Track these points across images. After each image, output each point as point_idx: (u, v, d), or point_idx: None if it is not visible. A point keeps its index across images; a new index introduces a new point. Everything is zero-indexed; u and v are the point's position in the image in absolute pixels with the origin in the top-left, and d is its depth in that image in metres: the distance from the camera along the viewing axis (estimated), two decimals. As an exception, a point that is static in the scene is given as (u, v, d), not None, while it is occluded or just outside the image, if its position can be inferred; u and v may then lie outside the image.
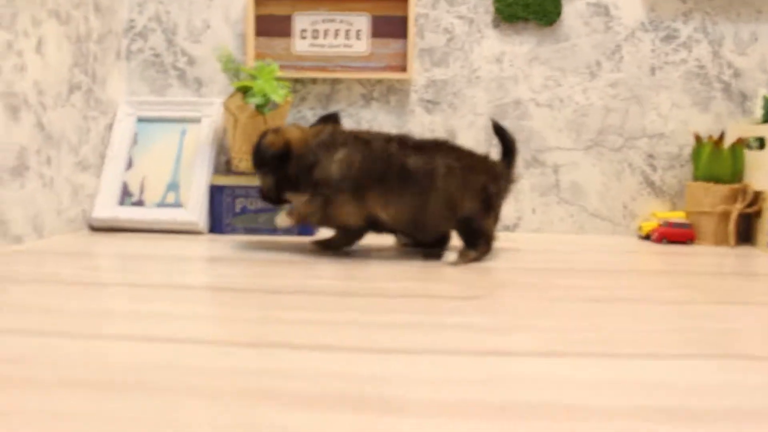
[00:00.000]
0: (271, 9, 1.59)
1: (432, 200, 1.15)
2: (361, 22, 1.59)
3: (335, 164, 1.15)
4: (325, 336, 0.66)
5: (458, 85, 1.62)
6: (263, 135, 1.21)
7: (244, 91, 1.41)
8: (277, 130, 1.21)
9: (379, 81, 1.62)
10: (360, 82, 1.63)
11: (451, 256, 1.17)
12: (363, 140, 1.18)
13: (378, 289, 0.90)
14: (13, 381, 0.51)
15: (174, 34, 1.63)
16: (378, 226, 1.20)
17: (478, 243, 1.19)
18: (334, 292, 0.87)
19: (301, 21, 1.59)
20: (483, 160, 1.24)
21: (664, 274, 1.13)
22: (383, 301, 0.83)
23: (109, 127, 1.55)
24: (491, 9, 1.61)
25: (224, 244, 1.31)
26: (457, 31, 1.62)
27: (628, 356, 0.63)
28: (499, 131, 1.31)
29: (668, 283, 1.02)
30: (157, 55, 1.64)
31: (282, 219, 1.22)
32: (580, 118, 1.63)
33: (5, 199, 1.16)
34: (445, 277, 1.02)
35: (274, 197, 1.24)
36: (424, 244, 1.28)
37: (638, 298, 0.90)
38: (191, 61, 1.63)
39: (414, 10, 1.57)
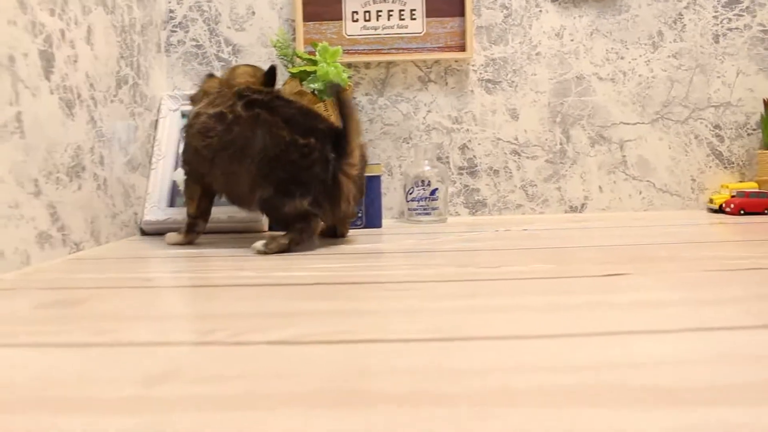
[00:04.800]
0: (319, -9, 1.51)
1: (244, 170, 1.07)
2: (415, 1, 1.51)
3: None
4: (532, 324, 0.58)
5: (518, 62, 1.55)
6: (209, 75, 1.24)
7: (302, 77, 1.32)
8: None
9: (437, 62, 1.54)
10: (416, 63, 1.55)
11: (259, 242, 1.04)
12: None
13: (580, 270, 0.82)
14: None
15: (216, 23, 1.54)
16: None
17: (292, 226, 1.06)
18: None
19: (351, 3, 1.51)
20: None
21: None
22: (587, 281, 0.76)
23: (154, 123, 1.46)
24: (548, -19, 1.54)
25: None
26: (515, 6, 1.54)
27: None
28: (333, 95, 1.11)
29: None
30: (199, 46, 1.55)
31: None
32: (644, 90, 1.56)
33: (66, 201, 1.07)
34: (578, 257, 0.94)
35: None
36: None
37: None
38: (236, 51, 1.55)
39: (470, -15, 1.49)
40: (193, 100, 1.23)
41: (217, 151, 1.09)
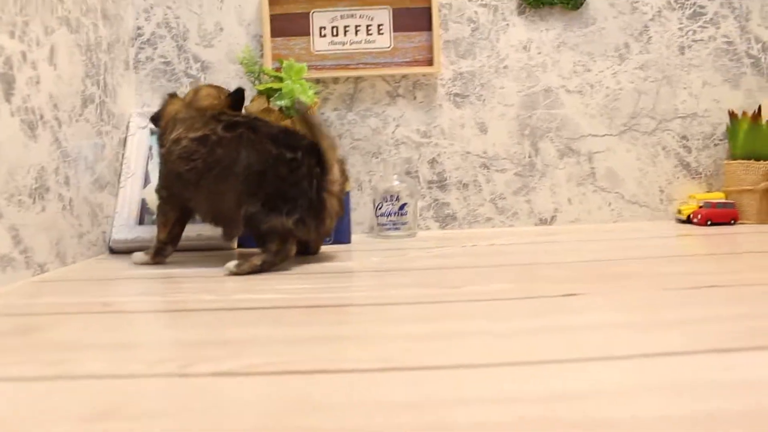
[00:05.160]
0: (287, 7, 1.51)
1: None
2: (382, 15, 1.52)
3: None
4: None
5: (486, 76, 1.56)
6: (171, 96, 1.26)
7: (269, 94, 1.32)
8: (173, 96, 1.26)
9: (405, 76, 1.55)
10: (384, 78, 1.55)
11: (231, 263, 1.02)
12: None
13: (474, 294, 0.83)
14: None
15: (185, 39, 1.54)
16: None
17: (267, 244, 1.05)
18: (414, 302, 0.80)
19: (319, 18, 1.52)
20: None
21: (739, 255, 1.08)
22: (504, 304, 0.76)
23: (123, 141, 1.45)
24: (515, -5, 1.55)
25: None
26: (482, 20, 1.55)
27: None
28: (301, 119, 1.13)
29: (756, 264, 0.97)
30: (167, 63, 1.54)
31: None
32: (611, 102, 1.58)
33: (29, 223, 1.06)
34: (502, 277, 0.95)
35: None
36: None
37: (751, 282, 0.83)
38: (204, 67, 1.54)
39: (437, 0, 1.50)
40: (155, 120, 1.23)
41: (203, 173, 1.09)
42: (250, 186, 1.05)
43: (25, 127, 1.07)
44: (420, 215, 1.55)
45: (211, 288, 0.91)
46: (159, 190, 1.18)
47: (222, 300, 0.82)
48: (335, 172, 1.08)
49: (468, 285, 0.87)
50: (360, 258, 1.16)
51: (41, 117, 1.12)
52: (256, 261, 1.03)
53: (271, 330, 0.66)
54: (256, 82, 1.37)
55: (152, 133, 1.47)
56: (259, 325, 0.68)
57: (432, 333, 0.62)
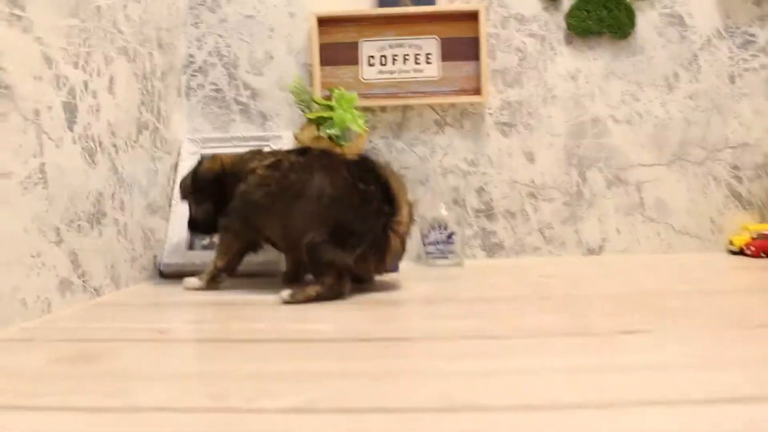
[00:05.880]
0: (336, 37, 1.53)
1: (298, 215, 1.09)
2: (431, 45, 1.53)
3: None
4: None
5: (534, 105, 1.56)
6: (199, 163, 1.26)
7: (319, 122, 1.34)
8: (212, 156, 1.26)
9: (452, 105, 1.56)
10: (432, 107, 1.56)
11: (285, 292, 1.02)
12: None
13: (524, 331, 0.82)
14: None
15: (235, 67, 1.57)
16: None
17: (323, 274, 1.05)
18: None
19: (368, 47, 1.53)
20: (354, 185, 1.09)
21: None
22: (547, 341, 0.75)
23: (174, 167, 1.48)
24: (563, 25, 1.55)
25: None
26: (530, 50, 1.56)
27: None
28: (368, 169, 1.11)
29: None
30: (218, 90, 1.57)
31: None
32: (660, 132, 1.56)
33: (87, 248, 1.09)
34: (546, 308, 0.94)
35: (210, 225, 1.24)
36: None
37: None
38: (254, 95, 1.57)
39: (485, 30, 1.51)
40: (197, 182, 1.27)
41: (276, 195, 1.11)
42: (321, 209, 1.05)
43: (86, 154, 1.10)
44: (467, 244, 1.55)
45: (264, 316, 0.92)
46: (230, 223, 1.18)
47: (276, 330, 0.83)
48: (404, 214, 1.08)
49: (520, 318, 0.86)
50: (410, 287, 1.16)
51: (100, 144, 1.15)
52: (311, 292, 1.03)
53: (326, 364, 0.66)
54: (306, 110, 1.38)
55: (202, 158, 1.49)
56: (314, 358, 0.68)
57: (490, 370, 0.62)
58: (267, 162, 1.14)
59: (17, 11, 0.92)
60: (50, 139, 0.99)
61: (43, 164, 0.97)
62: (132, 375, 0.64)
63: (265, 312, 0.96)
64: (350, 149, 1.33)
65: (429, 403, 0.53)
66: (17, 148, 0.91)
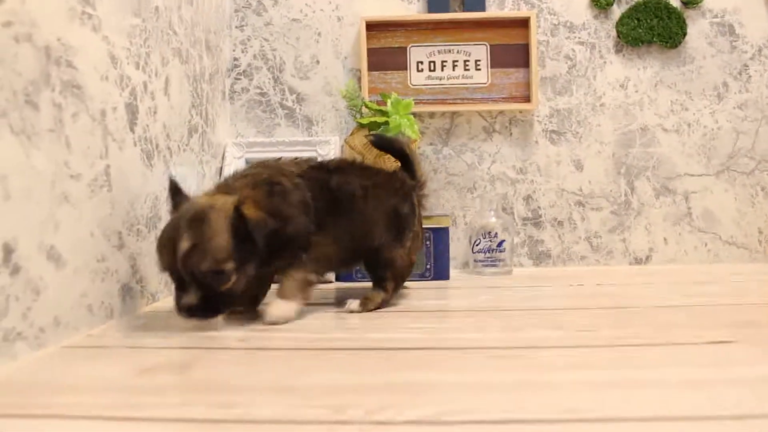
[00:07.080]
0: (384, 42, 1.52)
1: (354, 225, 0.98)
2: (480, 51, 1.52)
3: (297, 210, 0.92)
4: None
5: (583, 113, 1.54)
6: (239, 215, 0.82)
7: (371, 127, 1.32)
8: (242, 204, 0.84)
9: (501, 112, 1.54)
10: (481, 114, 1.55)
11: (352, 302, 0.99)
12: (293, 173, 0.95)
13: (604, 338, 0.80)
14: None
15: (281, 71, 1.56)
16: None
17: (386, 280, 1.01)
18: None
19: (416, 53, 1.52)
20: (390, 177, 1.07)
21: None
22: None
23: (219, 171, 1.47)
24: (613, 33, 1.54)
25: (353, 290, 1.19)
26: (579, 58, 1.54)
27: None
28: (383, 145, 1.15)
29: None
30: (263, 94, 1.56)
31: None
32: (709, 142, 1.54)
33: (144, 253, 1.07)
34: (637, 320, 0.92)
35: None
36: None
37: None
38: (300, 99, 1.56)
39: (534, 37, 1.49)
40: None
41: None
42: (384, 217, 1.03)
43: (144, 156, 1.08)
44: (514, 252, 1.53)
45: (339, 325, 0.90)
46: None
47: (358, 339, 0.81)
48: (426, 183, 1.14)
49: (600, 329, 0.84)
50: (469, 296, 1.14)
51: (156, 146, 1.13)
52: (377, 299, 1.01)
53: (426, 374, 0.64)
54: (358, 115, 1.37)
55: (247, 162, 1.47)
56: (413, 368, 0.66)
57: (600, 381, 0.60)
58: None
59: (89, 9, 0.91)
60: (114, 140, 0.98)
61: (108, 166, 0.95)
62: (233, 386, 0.62)
63: (338, 321, 0.94)
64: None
65: (558, 415, 0.51)
66: (86, 150, 0.89)
